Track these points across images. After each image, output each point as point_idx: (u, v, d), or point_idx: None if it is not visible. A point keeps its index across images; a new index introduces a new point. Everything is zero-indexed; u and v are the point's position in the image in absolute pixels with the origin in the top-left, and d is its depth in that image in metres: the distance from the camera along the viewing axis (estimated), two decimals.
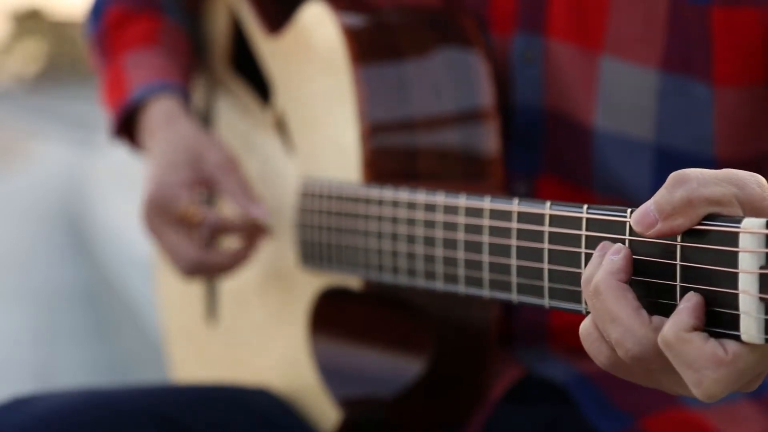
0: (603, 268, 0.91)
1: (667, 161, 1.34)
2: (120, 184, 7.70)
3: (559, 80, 1.36)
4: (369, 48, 1.35)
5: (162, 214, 1.50)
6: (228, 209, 1.65)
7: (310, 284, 1.44)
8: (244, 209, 1.49)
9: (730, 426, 1.33)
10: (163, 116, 1.59)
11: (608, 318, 0.90)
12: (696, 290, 0.86)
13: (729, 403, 1.34)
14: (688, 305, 0.86)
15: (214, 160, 1.52)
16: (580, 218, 0.96)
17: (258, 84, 1.65)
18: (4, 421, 1.34)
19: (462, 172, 1.33)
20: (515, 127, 1.38)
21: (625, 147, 1.35)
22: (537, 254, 1.01)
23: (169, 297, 1.87)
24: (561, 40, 1.35)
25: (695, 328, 0.85)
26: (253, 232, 1.51)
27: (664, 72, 1.32)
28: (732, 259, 0.82)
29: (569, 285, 0.98)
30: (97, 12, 1.75)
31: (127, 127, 1.66)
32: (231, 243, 1.60)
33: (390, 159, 1.32)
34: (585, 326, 0.94)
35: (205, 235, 1.49)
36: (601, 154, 1.35)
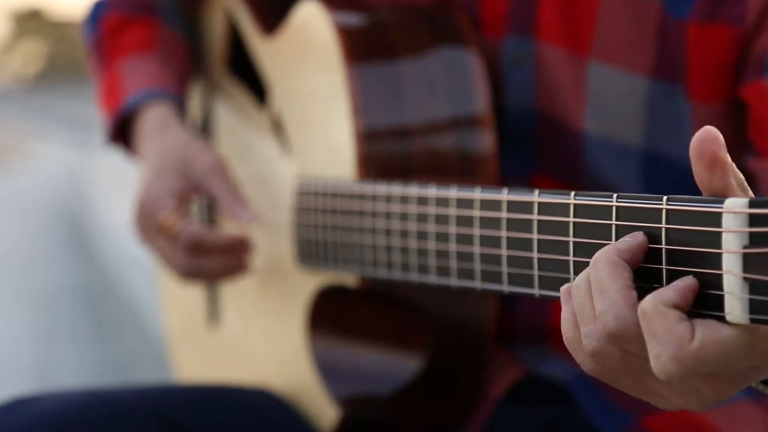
0: (612, 244, 0.91)
1: (654, 167, 1.35)
2: (120, 184, 7.70)
3: (550, 83, 1.36)
4: (363, 46, 1.35)
5: (150, 222, 1.50)
6: (229, 223, 1.66)
7: (308, 283, 1.44)
8: (231, 212, 1.48)
9: (730, 426, 1.33)
10: (156, 123, 1.59)
11: (598, 288, 0.90)
12: (682, 272, 0.86)
13: (730, 403, 1.34)
14: (678, 284, 0.86)
15: (202, 165, 1.51)
16: (568, 204, 0.96)
17: (256, 86, 1.65)
18: (4, 421, 1.34)
19: (456, 168, 1.33)
20: (508, 128, 1.38)
21: (614, 151, 1.35)
22: (526, 243, 1.01)
23: (172, 299, 1.87)
24: (551, 43, 1.36)
25: (676, 306, 0.85)
26: (236, 247, 1.49)
27: (653, 79, 1.33)
28: (716, 240, 0.82)
29: (558, 273, 0.98)
30: (94, 17, 1.75)
31: (123, 133, 1.66)
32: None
33: (384, 156, 1.32)
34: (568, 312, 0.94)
35: (183, 246, 1.48)
36: (592, 157, 1.36)
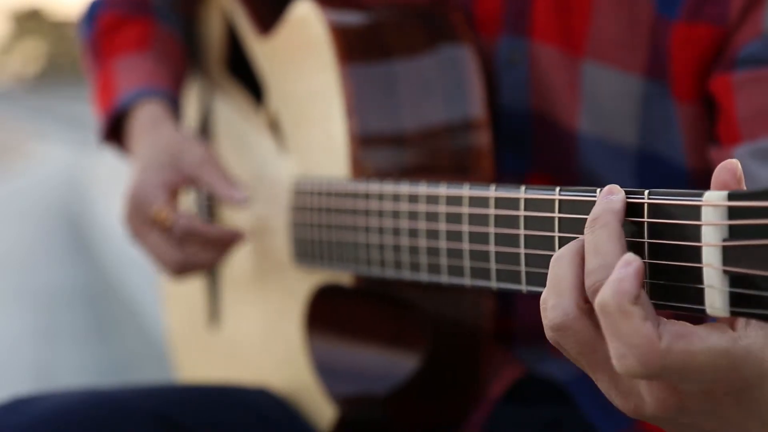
0: (603, 205, 0.88)
1: (648, 166, 1.35)
2: (120, 184, 7.69)
3: (544, 83, 1.37)
4: (357, 45, 1.35)
5: (141, 216, 1.51)
6: (229, 221, 1.66)
7: (305, 282, 1.44)
8: (224, 196, 1.49)
9: None
10: (148, 121, 1.59)
11: (593, 248, 0.86)
12: (663, 266, 0.85)
13: None
14: (630, 271, 0.82)
15: (192, 156, 1.52)
16: (553, 200, 0.96)
17: (254, 86, 1.65)
18: (4, 421, 1.35)
19: (452, 167, 1.33)
20: (503, 128, 1.38)
21: (609, 150, 1.35)
22: (514, 239, 1.02)
23: (172, 300, 1.88)
24: (545, 43, 1.36)
25: (637, 299, 0.82)
26: (227, 238, 1.51)
27: (646, 79, 1.33)
28: (696, 233, 0.82)
29: (545, 269, 0.98)
30: (90, 17, 1.75)
31: (117, 131, 1.67)
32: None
33: (379, 156, 1.32)
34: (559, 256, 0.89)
35: (177, 238, 1.49)
36: (586, 156, 1.36)
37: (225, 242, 1.50)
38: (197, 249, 1.50)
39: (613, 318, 0.82)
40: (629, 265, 0.82)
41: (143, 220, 1.51)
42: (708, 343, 0.82)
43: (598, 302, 0.83)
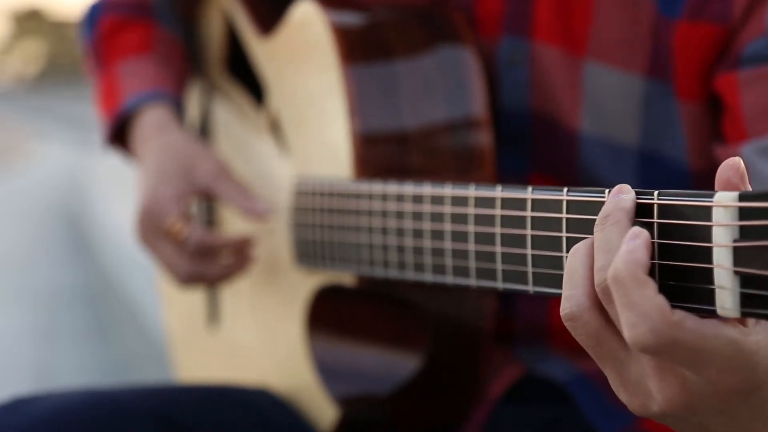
0: (614, 203, 0.88)
1: (650, 166, 1.35)
2: (120, 184, 7.69)
3: (545, 83, 1.36)
4: (359, 46, 1.35)
5: (154, 227, 1.51)
6: (230, 222, 1.66)
7: (306, 283, 1.44)
8: (246, 210, 1.49)
9: None
10: (155, 125, 1.59)
11: (604, 246, 0.87)
12: (673, 267, 0.85)
13: None
14: (639, 242, 0.83)
15: (206, 169, 1.52)
16: (561, 201, 0.96)
17: (254, 87, 1.65)
18: (4, 421, 1.34)
19: (454, 167, 1.33)
20: (504, 128, 1.38)
21: (610, 150, 1.35)
22: (520, 240, 1.02)
23: (172, 300, 1.88)
24: (546, 43, 1.36)
25: (649, 269, 0.83)
26: (242, 246, 1.51)
27: (648, 79, 1.33)
28: (706, 234, 0.82)
29: (552, 269, 0.98)
30: (90, 20, 1.75)
31: (121, 135, 1.67)
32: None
33: (381, 156, 1.32)
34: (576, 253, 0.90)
35: (191, 251, 1.49)
36: (587, 156, 1.36)
37: (238, 249, 1.51)
38: (209, 263, 1.50)
39: (627, 288, 0.83)
40: (637, 237, 0.84)
41: (155, 231, 1.51)
42: (719, 330, 0.82)
43: (611, 275, 0.84)
